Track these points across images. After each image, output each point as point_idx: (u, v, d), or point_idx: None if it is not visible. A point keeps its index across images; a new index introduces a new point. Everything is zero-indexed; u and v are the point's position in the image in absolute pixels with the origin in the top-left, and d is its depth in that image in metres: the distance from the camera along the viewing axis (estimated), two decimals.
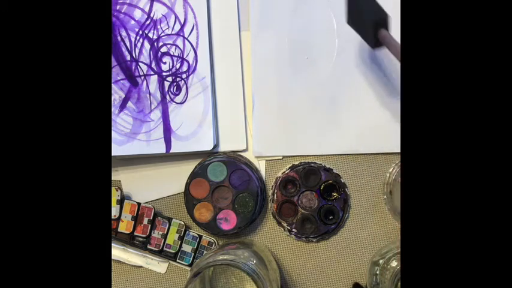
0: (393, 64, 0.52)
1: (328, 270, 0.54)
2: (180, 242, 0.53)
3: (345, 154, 0.53)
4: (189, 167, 0.53)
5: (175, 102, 0.52)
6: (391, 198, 0.52)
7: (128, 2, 0.52)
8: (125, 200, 0.53)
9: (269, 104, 0.53)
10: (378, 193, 0.53)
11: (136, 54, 0.52)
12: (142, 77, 0.52)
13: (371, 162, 0.53)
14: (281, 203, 0.53)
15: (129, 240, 0.53)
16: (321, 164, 0.53)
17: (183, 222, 0.53)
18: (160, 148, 0.52)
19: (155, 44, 0.52)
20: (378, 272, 0.50)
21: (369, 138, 0.52)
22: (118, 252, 0.54)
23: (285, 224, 0.53)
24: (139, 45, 0.52)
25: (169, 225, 0.53)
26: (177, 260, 0.53)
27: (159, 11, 0.52)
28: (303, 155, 0.53)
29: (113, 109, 0.52)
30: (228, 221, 0.52)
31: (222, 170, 0.52)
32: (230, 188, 0.52)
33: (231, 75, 0.53)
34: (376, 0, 0.45)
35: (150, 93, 0.52)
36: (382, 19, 0.43)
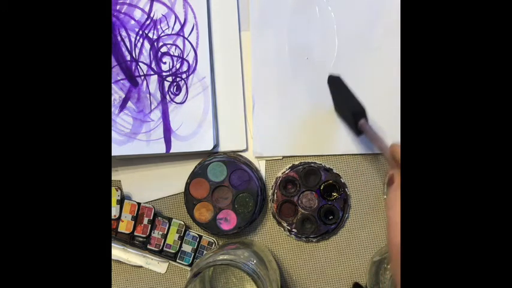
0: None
1: (328, 270, 0.54)
2: (180, 242, 0.53)
3: (345, 154, 0.53)
4: (189, 167, 0.53)
5: (175, 102, 0.52)
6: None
7: (128, 2, 0.52)
8: (125, 200, 0.53)
9: (269, 104, 0.53)
10: (378, 193, 0.53)
11: (136, 54, 0.52)
12: (142, 77, 0.52)
13: (371, 162, 0.53)
14: (281, 203, 0.53)
15: (129, 240, 0.53)
16: (321, 164, 0.53)
17: (183, 222, 0.53)
18: (160, 148, 0.52)
19: (155, 44, 0.52)
20: (377, 272, 0.50)
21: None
22: (118, 252, 0.54)
23: (285, 224, 0.53)
24: (139, 45, 0.52)
25: (169, 225, 0.53)
26: (177, 260, 0.53)
27: (159, 11, 0.52)
28: (303, 155, 0.53)
29: (113, 109, 0.52)
30: (228, 221, 0.52)
31: (222, 170, 0.52)
32: (230, 188, 0.52)
33: (231, 75, 0.53)
34: (353, 95, 0.48)
35: (150, 93, 0.52)
36: (359, 111, 0.47)
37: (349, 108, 0.48)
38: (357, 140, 0.52)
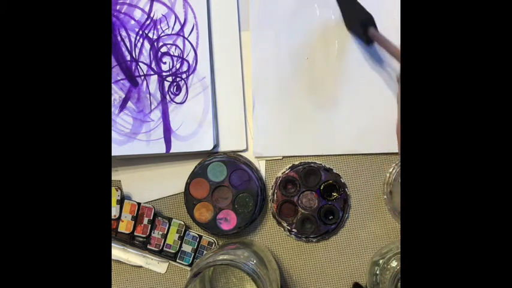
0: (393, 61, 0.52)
1: (328, 270, 0.54)
2: (180, 242, 0.53)
3: (345, 154, 0.53)
4: (189, 167, 0.53)
5: (175, 102, 0.52)
6: (391, 198, 0.52)
7: (128, 2, 0.52)
8: (125, 200, 0.53)
9: (269, 104, 0.53)
10: (378, 193, 0.53)
11: (136, 54, 0.52)
12: (142, 77, 0.52)
13: (371, 162, 0.53)
14: (281, 203, 0.53)
15: (129, 240, 0.53)
16: (321, 164, 0.53)
17: (183, 222, 0.53)
18: (160, 148, 0.52)
19: (155, 44, 0.52)
20: (378, 272, 0.50)
21: (369, 138, 0.52)
22: (118, 252, 0.54)
23: (285, 224, 0.53)
24: (139, 45, 0.52)
25: (169, 225, 0.53)
26: (177, 260, 0.53)
27: (159, 11, 0.52)
28: (303, 155, 0.53)
29: (113, 109, 0.52)
30: (228, 221, 0.52)
31: (222, 170, 0.52)
32: (230, 188, 0.52)
33: (231, 75, 0.53)
34: (358, 2, 0.49)
35: (150, 93, 0.52)
36: (367, 19, 0.48)
37: (357, 18, 0.49)
38: (357, 141, 0.52)
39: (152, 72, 0.52)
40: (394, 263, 0.49)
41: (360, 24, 0.48)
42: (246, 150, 0.54)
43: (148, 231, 0.53)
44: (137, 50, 0.52)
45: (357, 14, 0.49)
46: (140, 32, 0.52)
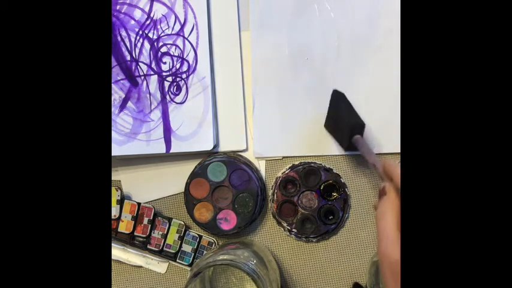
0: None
1: (328, 270, 0.54)
2: (180, 242, 0.53)
3: (345, 154, 0.53)
4: (189, 167, 0.53)
5: (175, 102, 0.52)
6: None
7: (128, 2, 0.52)
8: (125, 200, 0.53)
9: (269, 104, 0.53)
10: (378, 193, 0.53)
11: (136, 54, 0.52)
12: (142, 77, 0.52)
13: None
14: (281, 203, 0.53)
15: (129, 240, 0.53)
16: (321, 164, 0.53)
17: (183, 222, 0.53)
18: (160, 148, 0.52)
19: (155, 44, 0.52)
20: (377, 272, 0.50)
21: (369, 138, 0.52)
22: (118, 252, 0.54)
23: (285, 224, 0.53)
24: (139, 45, 0.52)
25: (169, 225, 0.53)
26: (177, 260, 0.53)
27: (159, 11, 0.52)
28: (303, 155, 0.53)
29: (113, 109, 0.52)
30: (228, 221, 0.52)
31: (222, 170, 0.52)
32: (230, 188, 0.52)
33: (231, 75, 0.53)
34: (355, 111, 0.49)
35: (150, 93, 0.52)
36: (359, 126, 0.48)
37: (349, 122, 0.48)
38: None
39: (152, 72, 0.52)
40: None
41: (350, 128, 0.48)
42: (246, 150, 0.54)
43: (148, 231, 0.53)
44: (137, 50, 0.52)
45: (351, 118, 0.49)
46: (140, 32, 0.52)
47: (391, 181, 0.39)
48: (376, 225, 0.36)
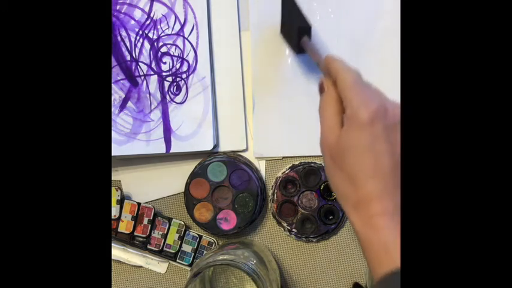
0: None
1: (328, 270, 0.54)
2: (180, 242, 0.53)
3: None
4: (189, 167, 0.53)
5: (175, 102, 0.52)
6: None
7: (128, 2, 0.52)
8: (125, 200, 0.53)
9: (269, 104, 0.53)
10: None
11: (136, 54, 0.52)
12: (142, 77, 0.52)
13: None
14: (281, 203, 0.53)
15: (129, 240, 0.53)
16: (321, 164, 0.53)
17: (183, 222, 0.53)
18: (160, 148, 0.52)
19: (155, 44, 0.52)
20: None
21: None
22: (118, 252, 0.54)
23: (285, 224, 0.53)
24: (139, 45, 0.52)
25: (169, 225, 0.53)
26: (177, 260, 0.53)
27: (159, 11, 0.52)
28: (303, 155, 0.53)
29: (113, 109, 0.52)
30: (228, 221, 0.52)
31: (222, 170, 0.52)
32: (230, 188, 0.52)
33: (231, 75, 0.53)
34: (302, 11, 0.49)
35: (150, 93, 0.52)
36: (305, 27, 0.48)
37: (295, 24, 0.48)
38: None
39: (152, 72, 0.52)
40: None
41: (297, 32, 0.47)
42: (246, 150, 0.54)
43: (148, 231, 0.53)
44: (137, 50, 0.52)
45: (296, 20, 0.48)
46: (140, 32, 0.52)
47: (329, 75, 0.39)
48: (319, 121, 0.38)
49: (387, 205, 0.33)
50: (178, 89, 0.52)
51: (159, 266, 0.55)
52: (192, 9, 0.52)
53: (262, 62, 0.53)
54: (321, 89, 0.40)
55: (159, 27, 0.52)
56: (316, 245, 0.54)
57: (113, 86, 0.52)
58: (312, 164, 0.53)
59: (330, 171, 0.36)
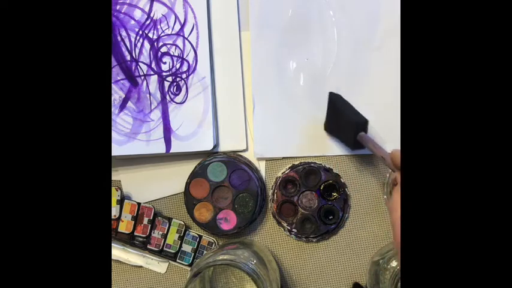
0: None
1: (328, 270, 0.54)
2: (180, 242, 0.53)
3: (345, 154, 0.53)
4: (189, 167, 0.53)
5: (175, 102, 0.52)
6: (391, 198, 0.52)
7: (128, 2, 0.52)
8: (125, 200, 0.53)
9: (269, 104, 0.53)
10: (378, 193, 0.53)
11: (136, 54, 0.52)
12: (142, 77, 0.52)
13: (371, 162, 0.53)
14: (281, 203, 0.53)
15: (129, 240, 0.53)
16: (321, 164, 0.53)
17: (183, 222, 0.53)
18: (160, 148, 0.52)
19: (155, 44, 0.52)
20: (377, 272, 0.50)
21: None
22: (118, 252, 0.54)
23: (285, 224, 0.53)
24: (139, 45, 0.52)
25: (169, 225, 0.53)
26: (177, 260, 0.53)
27: (159, 11, 0.52)
28: (303, 156, 0.53)
29: (113, 109, 0.52)
30: (228, 221, 0.52)
31: (222, 170, 0.52)
32: (230, 188, 0.52)
33: (231, 75, 0.53)
34: (355, 109, 0.50)
35: (150, 93, 0.52)
36: (363, 123, 0.49)
37: (351, 120, 0.49)
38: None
39: (152, 72, 0.52)
40: (394, 263, 0.49)
41: (353, 128, 0.48)
42: (246, 150, 0.54)
43: (148, 231, 0.53)
44: (137, 50, 0.52)
45: (353, 116, 0.49)
46: (140, 32, 0.52)
47: (399, 169, 0.40)
48: (390, 216, 0.37)
49: None
50: (178, 89, 0.52)
51: (159, 266, 0.55)
52: (192, 9, 0.52)
53: (262, 62, 0.53)
54: (394, 183, 0.40)
55: (159, 27, 0.52)
56: (316, 245, 0.54)
57: (113, 86, 0.52)
58: (312, 164, 0.53)
59: None
